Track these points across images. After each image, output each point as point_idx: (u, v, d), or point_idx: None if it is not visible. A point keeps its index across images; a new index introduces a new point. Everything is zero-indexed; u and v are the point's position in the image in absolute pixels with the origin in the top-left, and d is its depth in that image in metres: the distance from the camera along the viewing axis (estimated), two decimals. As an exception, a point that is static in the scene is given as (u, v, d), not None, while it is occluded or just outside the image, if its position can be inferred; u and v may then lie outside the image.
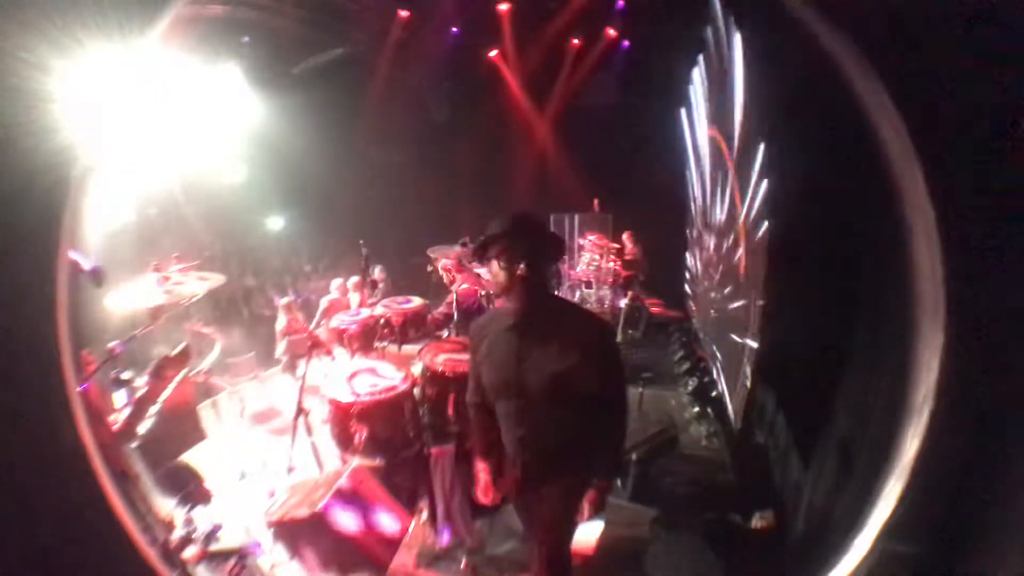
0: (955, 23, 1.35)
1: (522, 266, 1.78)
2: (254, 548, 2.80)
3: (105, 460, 1.59)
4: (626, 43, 7.85)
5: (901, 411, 1.70)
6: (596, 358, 1.78)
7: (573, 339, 1.78)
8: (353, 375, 3.45)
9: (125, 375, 2.86)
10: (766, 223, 3.46)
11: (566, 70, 8.25)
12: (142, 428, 2.79)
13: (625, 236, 7.67)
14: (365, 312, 4.54)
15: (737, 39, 4.17)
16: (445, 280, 5.10)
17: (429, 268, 5.13)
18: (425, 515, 3.02)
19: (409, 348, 4.52)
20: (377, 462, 3.18)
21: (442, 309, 5.12)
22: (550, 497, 1.91)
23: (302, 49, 6.28)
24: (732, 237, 4.69)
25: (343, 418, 3.27)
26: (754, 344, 3.66)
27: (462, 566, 2.78)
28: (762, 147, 3.52)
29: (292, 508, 2.66)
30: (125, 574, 1.61)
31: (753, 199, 3.87)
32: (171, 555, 2.53)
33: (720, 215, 5.38)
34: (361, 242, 4.39)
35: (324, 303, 5.33)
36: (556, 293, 1.97)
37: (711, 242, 5.96)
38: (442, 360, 3.40)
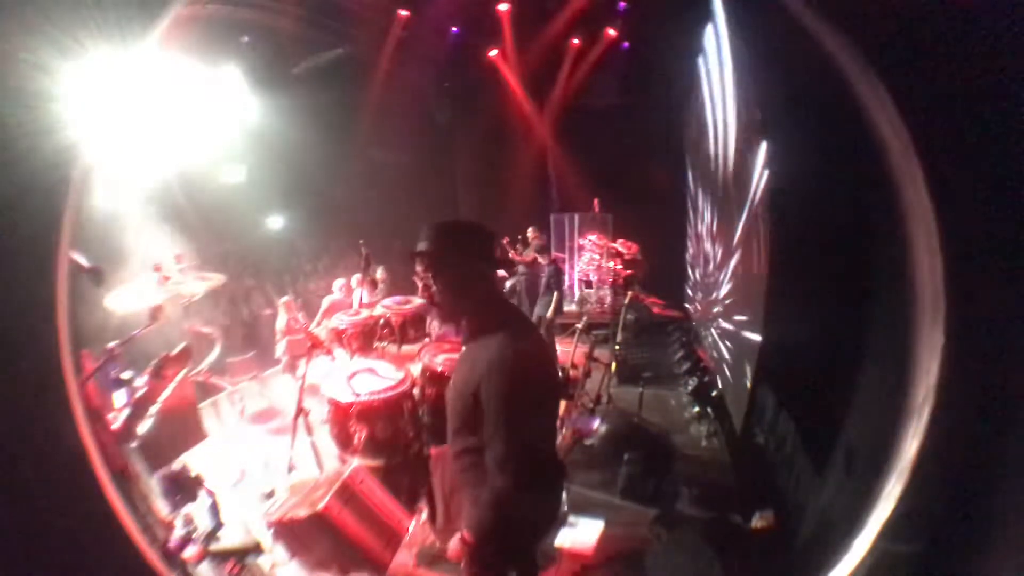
0: (956, 22, 1.35)
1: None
2: (254, 548, 2.81)
3: (105, 460, 1.59)
4: (626, 43, 7.85)
5: (901, 411, 1.69)
6: (481, 393, 1.50)
7: (470, 368, 1.57)
8: (353, 375, 3.45)
9: (125, 375, 2.86)
10: (767, 223, 3.46)
11: (566, 70, 8.24)
12: (142, 428, 2.79)
13: (619, 243, 7.66)
14: (365, 312, 4.54)
15: (737, 39, 4.17)
16: None
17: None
18: (425, 515, 3.02)
19: (409, 348, 4.52)
20: (377, 462, 3.18)
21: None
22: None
23: (302, 49, 6.28)
24: (733, 237, 4.69)
25: (343, 418, 3.27)
26: (756, 343, 3.65)
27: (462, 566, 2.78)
28: (763, 147, 3.52)
29: (292, 508, 2.66)
30: (125, 574, 1.61)
31: (754, 199, 3.88)
32: (171, 555, 2.53)
33: (721, 215, 5.38)
34: (361, 242, 4.39)
35: (325, 303, 5.34)
36: (497, 309, 1.69)
37: (712, 242, 5.96)
38: (441, 360, 3.40)
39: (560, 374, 4.17)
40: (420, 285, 1.68)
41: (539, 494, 1.58)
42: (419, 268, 1.66)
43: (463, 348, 1.73)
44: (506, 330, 1.56)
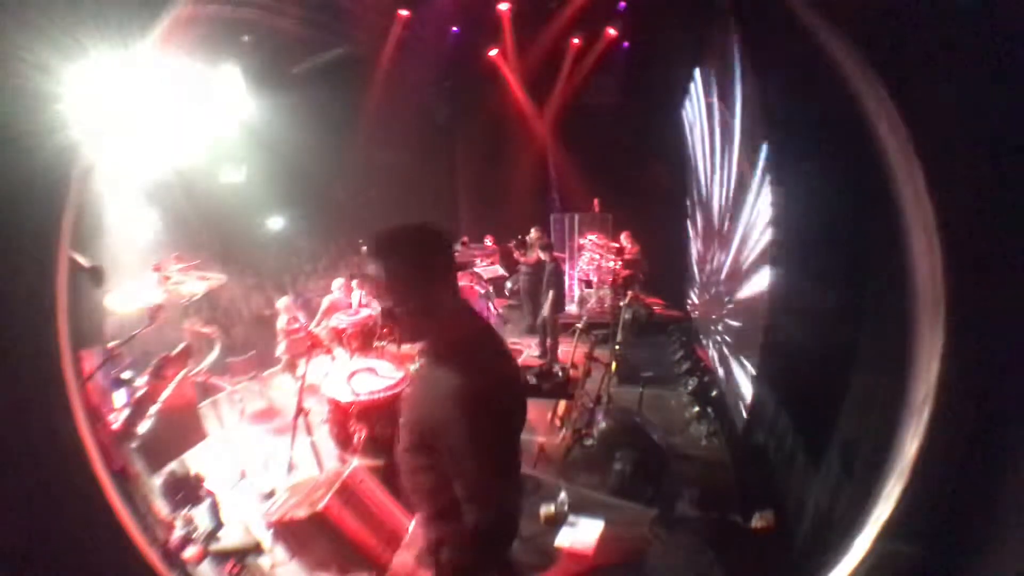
0: (956, 22, 1.35)
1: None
2: (254, 548, 2.81)
3: (105, 460, 1.59)
4: (626, 43, 7.85)
5: (901, 411, 1.69)
6: (439, 428, 1.36)
7: (429, 394, 1.43)
8: (352, 375, 3.45)
9: (125, 375, 2.86)
10: (768, 222, 3.46)
11: (566, 70, 8.24)
12: (142, 428, 2.80)
13: (623, 236, 7.69)
14: (364, 312, 4.54)
15: (737, 40, 4.17)
16: None
17: None
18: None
19: (409, 348, 4.52)
20: (377, 462, 3.18)
21: None
22: None
23: (302, 49, 6.27)
24: (734, 237, 4.69)
25: (343, 418, 3.27)
26: (756, 343, 3.65)
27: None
28: (764, 147, 3.52)
29: (292, 508, 2.66)
30: (125, 574, 1.61)
31: (755, 199, 3.88)
32: (171, 555, 2.53)
33: (721, 215, 5.38)
34: (361, 241, 4.40)
35: (325, 303, 5.34)
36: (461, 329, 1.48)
37: (713, 242, 5.96)
38: (442, 360, 3.40)
39: (560, 374, 4.17)
40: (380, 309, 1.56)
41: (505, 516, 1.46)
42: (373, 293, 1.53)
43: (421, 360, 1.61)
44: (469, 354, 1.42)
